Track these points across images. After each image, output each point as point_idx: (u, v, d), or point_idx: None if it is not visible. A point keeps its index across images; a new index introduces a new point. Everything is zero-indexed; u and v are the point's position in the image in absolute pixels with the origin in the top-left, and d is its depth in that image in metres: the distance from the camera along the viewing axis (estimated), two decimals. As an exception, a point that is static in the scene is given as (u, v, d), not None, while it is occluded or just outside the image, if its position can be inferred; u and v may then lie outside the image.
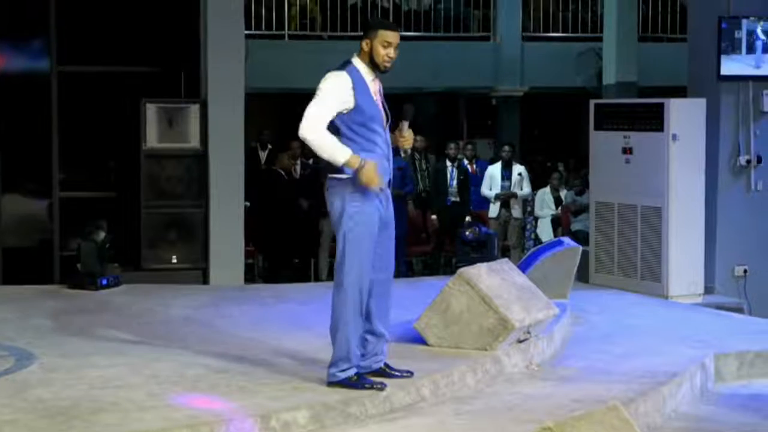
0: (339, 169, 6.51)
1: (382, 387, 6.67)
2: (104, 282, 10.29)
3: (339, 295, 6.65)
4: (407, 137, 6.81)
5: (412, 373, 6.95)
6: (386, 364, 6.94)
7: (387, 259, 6.80)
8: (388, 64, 6.61)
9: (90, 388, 6.65)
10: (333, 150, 6.44)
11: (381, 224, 6.67)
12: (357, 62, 6.62)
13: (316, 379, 6.89)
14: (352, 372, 6.69)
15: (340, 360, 6.67)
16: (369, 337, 6.83)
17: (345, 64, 6.63)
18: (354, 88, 6.51)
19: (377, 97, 6.65)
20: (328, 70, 6.65)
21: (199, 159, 11.12)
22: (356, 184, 6.49)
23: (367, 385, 6.66)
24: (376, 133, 6.60)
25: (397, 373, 6.92)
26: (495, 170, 16.04)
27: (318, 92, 6.51)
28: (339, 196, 6.58)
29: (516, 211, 15.92)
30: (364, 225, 6.57)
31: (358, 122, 6.53)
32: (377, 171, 6.47)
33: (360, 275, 6.58)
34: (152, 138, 11.12)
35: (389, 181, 6.73)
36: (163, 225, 11.12)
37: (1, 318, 8.91)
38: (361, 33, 6.76)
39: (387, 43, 6.57)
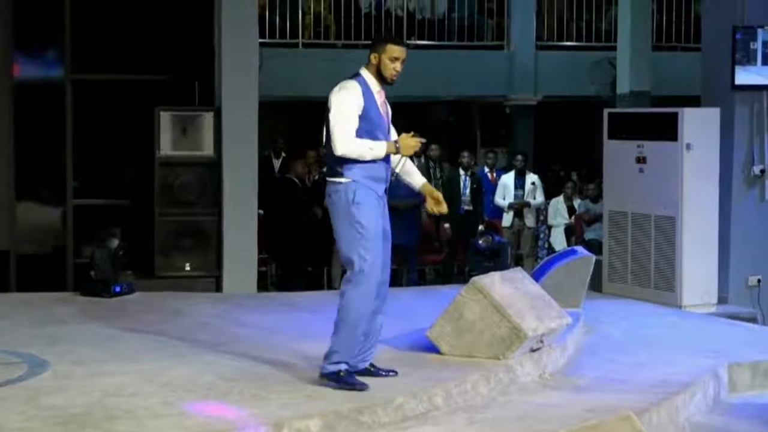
0: (340, 174, 6.80)
1: (363, 388, 6.80)
2: (118, 289, 10.30)
3: (351, 294, 6.83)
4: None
5: (396, 373, 7.13)
6: (371, 365, 7.11)
7: (385, 262, 6.96)
8: (395, 77, 6.91)
9: (103, 396, 6.65)
10: (372, 152, 6.78)
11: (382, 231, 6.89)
12: (365, 74, 6.92)
13: (329, 387, 6.89)
14: (342, 366, 6.86)
15: (332, 353, 6.85)
16: (362, 337, 6.99)
17: (354, 76, 6.91)
18: (363, 97, 6.80)
19: (382, 108, 6.94)
20: (344, 79, 6.89)
21: (213, 167, 11.13)
22: (357, 189, 6.77)
23: (349, 384, 6.81)
24: (379, 142, 6.84)
25: (382, 373, 7.09)
26: (508, 179, 16.04)
27: (336, 107, 6.78)
28: (343, 199, 6.83)
29: (529, 220, 15.90)
30: (369, 229, 6.79)
31: (364, 130, 6.79)
32: (410, 141, 6.86)
33: (371, 272, 6.79)
34: (166, 146, 11.13)
35: (386, 189, 6.97)
36: (176, 232, 11.12)
37: (15, 325, 8.93)
38: (370, 46, 7.02)
39: (395, 58, 6.87)
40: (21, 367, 7.37)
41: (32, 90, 11.24)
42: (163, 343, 8.22)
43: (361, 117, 6.79)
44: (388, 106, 7.08)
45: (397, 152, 6.88)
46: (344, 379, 6.85)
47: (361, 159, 6.78)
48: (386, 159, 6.92)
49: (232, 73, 11.08)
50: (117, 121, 11.40)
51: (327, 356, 6.91)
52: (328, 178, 6.94)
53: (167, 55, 11.38)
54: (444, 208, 7.19)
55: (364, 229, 6.79)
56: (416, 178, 7.26)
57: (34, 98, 11.23)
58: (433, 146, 16.16)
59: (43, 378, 7.12)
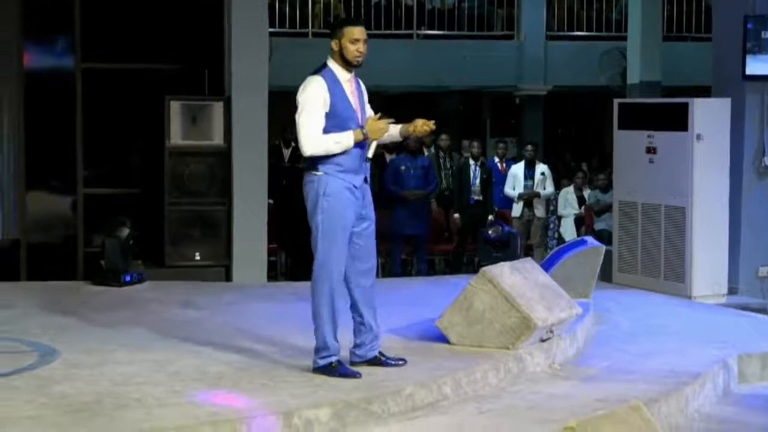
0: (314, 167, 6.85)
1: (355, 375, 6.88)
2: (128, 278, 10.31)
3: (314, 286, 6.93)
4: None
5: (405, 361, 7.17)
6: (381, 353, 7.17)
7: (368, 251, 7.08)
8: (360, 59, 6.86)
9: (113, 385, 6.66)
10: (339, 145, 6.80)
11: (358, 218, 6.96)
12: (331, 63, 6.90)
13: (338, 376, 6.90)
14: (332, 359, 6.93)
15: (319, 348, 6.95)
16: (362, 327, 7.12)
17: (320, 68, 6.90)
18: (329, 91, 6.79)
19: (354, 97, 6.92)
20: (310, 73, 6.87)
21: (223, 156, 11.12)
22: (328, 181, 6.82)
23: (342, 374, 6.88)
24: (345, 132, 6.84)
25: (391, 362, 7.14)
26: (518, 169, 16.02)
27: (300, 107, 6.80)
28: (314, 191, 6.87)
29: (539, 211, 15.88)
30: (336, 218, 6.84)
31: (333, 125, 6.81)
32: (381, 124, 6.88)
33: (336, 266, 6.87)
34: (176, 135, 11.12)
35: (365, 178, 7.01)
36: (186, 222, 11.12)
37: (25, 314, 8.94)
38: (329, 35, 7.00)
39: (355, 40, 6.82)
40: (31, 356, 7.39)
41: (42, 79, 11.22)
42: (173, 333, 8.22)
43: (328, 113, 6.80)
44: (363, 90, 7.08)
45: (365, 138, 6.87)
46: (336, 370, 6.91)
47: (330, 154, 6.80)
48: (361, 147, 6.93)
49: (242, 63, 11.07)
50: (127, 110, 11.39)
51: (316, 351, 7.00)
52: (304, 172, 6.99)
53: (177, 45, 11.37)
54: (428, 125, 7.17)
55: (331, 222, 6.85)
56: (393, 133, 7.22)
57: (44, 87, 11.21)
58: (443, 136, 16.14)
59: (53, 367, 7.12)
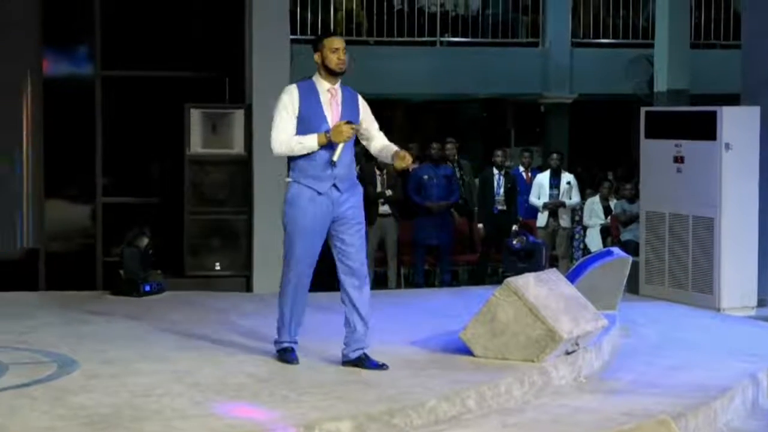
0: (288, 174, 7.48)
1: (291, 361, 7.44)
2: (147, 288, 10.30)
3: (282, 280, 7.55)
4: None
5: (387, 366, 7.40)
6: (365, 354, 7.47)
7: (352, 252, 7.45)
8: (342, 66, 7.36)
9: (132, 396, 6.64)
10: (304, 147, 7.31)
11: (333, 221, 7.39)
12: (315, 77, 7.44)
13: (360, 389, 6.88)
14: (283, 345, 7.53)
15: (277, 330, 7.57)
16: (347, 327, 7.49)
17: (300, 80, 7.50)
18: (300, 98, 7.34)
19: (331, 106, 7.38)
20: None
21: (243, 165, 11.09)
22: (291, 188, 7.39)
23: (282, 359, 7.48)
24: (309, 135, 7.31)
25: (374, 365, 7.41)
26: (543, 179, 15.90)
27: (274, 111, 7.40)
28: (285, 197, 7.46)
29: (564, 221, 15.76)
30: (294, 224, 7.39)
31: (302, 129, 7.32)
32: (343, 126, 7.23)
33: (295, 266, 7.42)
34: (196, 143, 11.10)
35: (335, 184, 7.36)
36: (206, 231, 11.10)
37: (44, 324, 8.95)
38: (312, 48, 7.47)
39: (335, 49, 7.34)
40: (50, 367, 7.38)
41: (62, 87, 11.23)
42: (193, 343, 8.21)
43: (298, 118, 7.33)
44: (358, 102, 7.50)
45: (329, 141, 7.26)
46: (281, 356, 7.52)
47: (295, 154, 7.34)
48: (326, 155, 7.31)
49: (263, 70, 11.03)
50: (147, 118, 11.39)
51: (276, 336, 7.61)
52: None
53: (198, 52, 11.38)
54: (407, 161, 7.39)
55: (291, 226, 7.41)
56: (387, 153, 7.54)
57: (63, 95, 11.23)
58: (449, 145, 16.01)
59: (71, 377, 7.12)
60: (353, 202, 7.45)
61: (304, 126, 7.32)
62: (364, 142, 7.66)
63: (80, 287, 10.70)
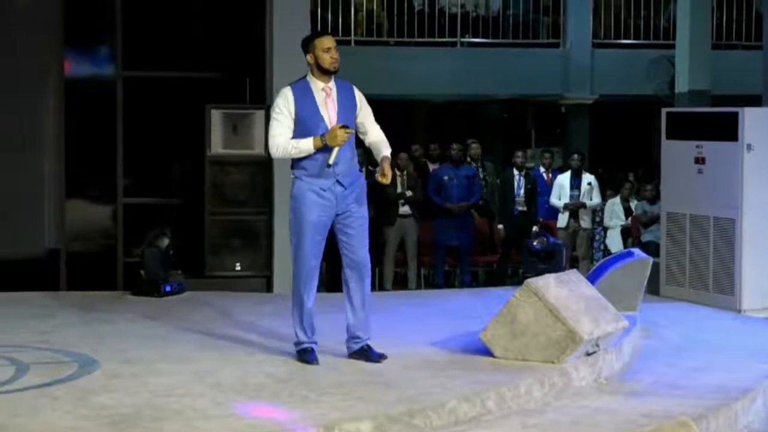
0: (291, 172, 7.54)
1: (311, 361, 7.47)
2: (168, 289, 10.30)
3: (292, 280, 7.62)
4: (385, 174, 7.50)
5: (385, 357, 7.58)
6: (367, 345, 7.65)
7: (353, 245, 7.56)
8: (336, 64, 7.45)
9: (153, 396, 6.65)
10: (300, 151, 7.40)
11: (337, 215, 7.49)
12: (309, 77, 7.51)
13: (380, 389, 6.87)
14: (303, 347, 7.57)
15: (296, 335, 7.61)
16: (347, 320, 7.65)
17: (295, 81, 7.54)
18: (295, 100, 7.41)
19: (326, 105, 7.45)
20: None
21: (264, 165, 11.08)
22: (296, 185, 7.47)
23: (303, 359, 7.52)
24: (305, 138, 7.39)
25: (375, 356, 7.58)
26: (564, 180, 15.84)
27: (271, 114, 7.51)
28: (291, 193, 7.54)
29: (585, 222, 15.71)
30: (301, 219, 7.45)
31: (299, 130, 7.41)
32: (338, 131, 7.29)
33: (304, 262, 7.48)
34: (217, 144, 11.11)
35: (338, 181, 7.43)
36: (227, 232, 11.10)
37: (65, 324, 8.96)
38: (303, 50, 7.56)
39: (327, 48, 7.44)
40: (71, 366, 7.40)
41: (83, 87, 11.22)
42: (213, 344, 8.20)
43: (295, 120, 7.42)
44: (354, 97, 7.56)
45: (324, 144, 7.33)
46: (301, 357, 7.55)
47: (292, 157, 7.45)
48: (324, 156, 7.38)
49: (283, 71, 10.98)
50: (168, 118, 11.38)
51: (295, 339, 7.64)
52: None
53: (218, 53, 11.36)
54: (386, 179, 7.50)
55: (296, 221, 7.48)
56: (379, 154, 7.65)
57: (84, 95, 11.21)
58: (473, 144, 16.01)
59: (92, 377, 7.13)
60: (356, 196, 7.55)
61: (301, 127, 7.40)
62: (359, 135, 7.70)
63: (101, 287, 10.71)
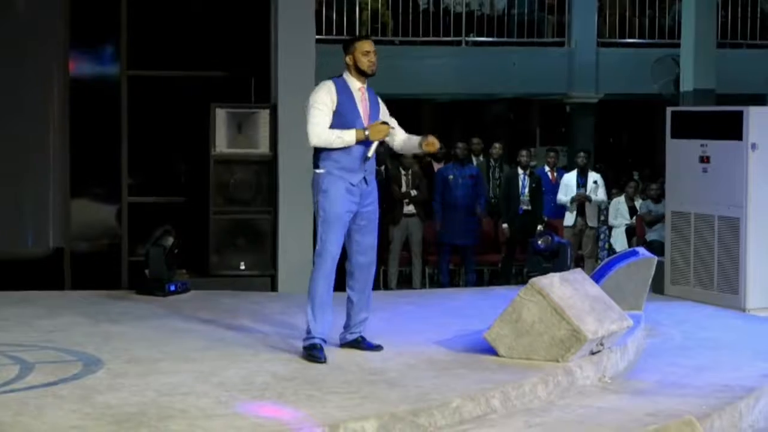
0: (317, 165, 7.61)
1: (317, 358, 7.47)
2: (172, 288, 10.30)
3: (313, 273, 7.64)
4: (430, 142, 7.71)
5: (381, 347, 7.80)
6: (362, 337, 7.87)
7: (366, 246, 7.74)
8: (373, 68, 7.68)
9: (157, 395, 6.64)
10: (341, 141, 7.52)
11: (356, 214, 7.63)
12: (345, 75, 7.71)
13: (385, 388, 6.87)
14: (313, 341, 7.58)
15: (307, 328, 7.62)
16: (350, 313, 7.84)
17: (334, 77, 7.70)
18: (337, 93, 7.59)
19: (362, 104, 7.67)
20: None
21: (269, 164, 11.09)
22: (326, 178, 7.54)
23: (312, 357, 7.51)
24: (348, 130, 7.54)
25: (370, 346, 7.80)
26: (570, 178, 15.84)
27: (309, 104, 7.60)
28: (316, 187, 7.62)
29: (591, 220, 15.68)
30: (332, 213, 7.55)
31: (338, 122, 7.55)
32: (379, 125, 7.56)
33: (328, 256, 7.56)
34: (221, 143, 11.11)
35: (365, 178, 7.64)
36: (231, 231, 11.10)
37: (70, 323, 8.95)
38: (343, 51, 7.73)
39: (366, 52, 7.66)
40: (76, 365, 7.39)
41: (88, 86, 11.24)
42: (218, 343, 8.20)
43: (335, 112, 7.56)
44: (380, 104, 7.79)
45: (366, 138, 7.52)
46: (311, 353, 7.53)
47: (332, 147, 7.52)
48: (361, 150, 7.58)
49: (288, 70, 11.03)
50: (172, 118, 11.40)
51: (306, 332, 7.66)
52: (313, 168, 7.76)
53: (223, 52, 11.37)
54: (434, 146, 7.71)
55: (326, 215, 7.56)
56: (413, 143, 7.86)
57: (89, 94, 11.22)
58: (496, 145, 16.02)
59: (97, 376, 7.12)
60: (374, 198, 7.76)
61: (339, 121, 7.55)
62: (387, 139, 7.81)
63: (106, 287, 10.68)
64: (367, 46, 7.68)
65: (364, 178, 7.64)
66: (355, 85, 7.68)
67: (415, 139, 7.81)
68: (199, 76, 11.40)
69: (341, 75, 7.71)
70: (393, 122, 7.83)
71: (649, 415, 6.67)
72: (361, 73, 7.67)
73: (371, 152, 7.61)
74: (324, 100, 7.56)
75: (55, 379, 6.99)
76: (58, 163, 11.16)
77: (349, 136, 7.52)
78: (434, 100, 21.28)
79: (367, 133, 7.54)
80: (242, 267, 11.10)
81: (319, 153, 7.61)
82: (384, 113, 7.83)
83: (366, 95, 7.74)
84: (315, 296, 7.61)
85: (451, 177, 14.61)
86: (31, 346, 7.99)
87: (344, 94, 7.61)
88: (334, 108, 7.56)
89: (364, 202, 7.67)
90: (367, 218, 7.72)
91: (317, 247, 7.62)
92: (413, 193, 14.50)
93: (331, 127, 7.54)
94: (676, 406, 6.85)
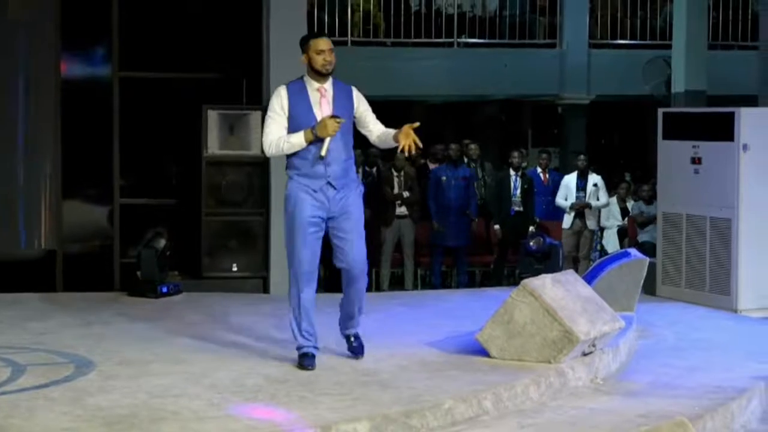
0: (286, 173, 7.55)
1: (306, 367, 7.38)
2: (164, 290, 10.30)
3: (290, 275, 7.55)
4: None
5: (361, 356, 7.69)
6: (354, 336, 7.79)
7: (349, 247, 7.51)
8: (329, 67, 7.46)
9: (149, 397, 6.65)
10: (292, 145, 7.40)
11: (328, 218, 7.45)
12: (305, 77, 7.54)
13: (377, 390, 6.87)
14: (302, 351, 7.48)
15: (294, 337, 7.54)
16: (341, 313, 7.79)
17: (292, 81, 7.57)
18: (288, 97, 7.46)
19: (320, 105, 7.46)
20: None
21: (261, 166, 11.08)
22: (288, 185, 7.47)
23: (300, 365, 7.43)
24: (295, 133, 7.41)
25: (353, 350, 7.73)
26: (570, 180, 15.71)
27: (267, 114, 7.52)
28: (285, 193, 7.54)
29: (591, 222, 15.59)
30: (294, 220, 7.43)
31: (293, 127, 7.42)
32: (328, 121, 7.30)
33: (296, 264, 7.43)
34: (213, 145, 11.10)
35: (329, 182, 7.41)
36: (223, 233, 11.09)
37: (61, 325, 8.96)
38: (301, 49, 7.60)
39: (320, 50, 7.46)
40: (67, 368, 7.40)
41: (79, 88, 11.20)
42: (210, 345, 8.20)
43: (289, 118, 7.45)
44: (353, 98, 7.57)
45: (315, 137, 7.34)
46: (300, 363, 7.46)
47: (285, 153, 7.45)
48: (315, 152, 7.37)
49: (280, 71, 10.97)
50: (164, 119, 11.39)
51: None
52: None
53: (215, 53, 11.36)
54: (408, 137, 7.47)
55: (288, 221, 7.46)
56: (389, 137, 7.64)
57: (81, 96, 11.20)
58: (472, 146, 15.99)
59: (88, 378, 7.13)
60: (351, 199, 7.51)
61: (293, 124, 7.42)
62: (363, 131, 7.71)
63: (97, 288, 10.69)
64: (321, 44, 7.47)
65: (328, 182, 7.41)
66: (313, 85, 7.49)
67: (392, 132, 7.58)
68: (190, 78, 11.37)
69: (302, 77, 7.55)
70: (370, 116, 7.65)
71: (641, 416, 6.66)
72: (316, 73, 7.46)
73: (324, 150, 7.31)
74: (274, 107, 7.46)
75: (47, 381, 6.99)
76: (50, 165, 11.13)
77: (296, 139, 7.37)
78: (426, 101, 21.27)
79: (314, 129, 7.33)
80: (234, 269, 11.08)
81: (286, 159, 7.52)
82: (360, 105, 7.61)
83: (329, 94, 7.50)
84: (294, 306, 7.48)
85: (444, 178, 14.62)
86: (23, 348, 7.99)
87: (297, 97, 7.44)
88: (286, 113, 7.43)
89: (335, 207, 7.44)
90: (343, 222, 7.48)
91: (287, 255, 7.50)
92: (405, 194, 14.51)
93: (289, 131, 7.40)
94: (668, 407, 6.85)
